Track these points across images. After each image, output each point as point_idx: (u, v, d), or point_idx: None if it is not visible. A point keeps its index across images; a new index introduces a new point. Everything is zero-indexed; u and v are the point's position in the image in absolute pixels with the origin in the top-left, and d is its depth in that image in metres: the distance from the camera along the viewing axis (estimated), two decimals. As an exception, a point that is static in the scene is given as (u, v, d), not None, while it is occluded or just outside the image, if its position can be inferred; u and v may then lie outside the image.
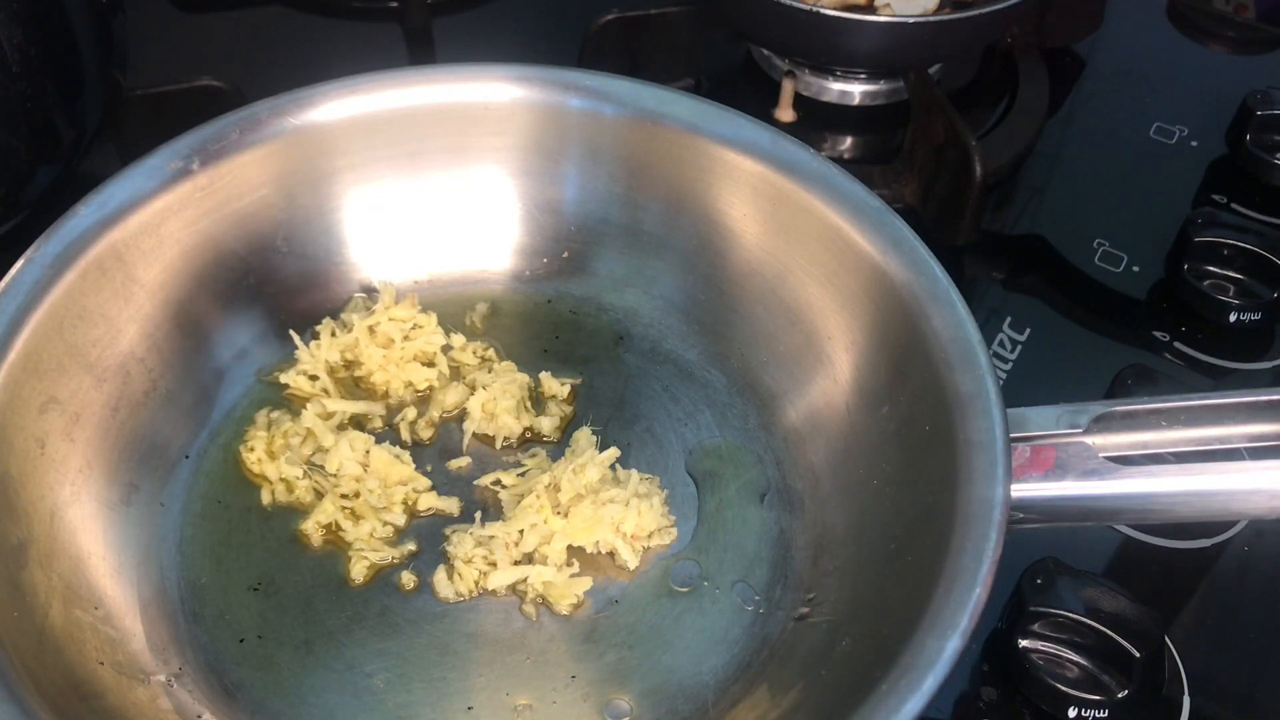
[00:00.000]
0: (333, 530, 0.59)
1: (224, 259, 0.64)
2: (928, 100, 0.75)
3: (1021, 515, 0.51)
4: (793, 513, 0.60)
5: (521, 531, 0.58)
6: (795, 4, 0.71)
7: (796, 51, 0.81)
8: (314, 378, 0.64)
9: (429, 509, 0.60)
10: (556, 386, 0.64)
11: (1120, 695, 0.53)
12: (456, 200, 0.68)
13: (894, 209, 0.59)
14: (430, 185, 0.68)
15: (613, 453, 0.60)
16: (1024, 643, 0.54)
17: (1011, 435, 0.51)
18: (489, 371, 0.64)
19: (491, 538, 0.57)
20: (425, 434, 0.63)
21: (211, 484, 0.61)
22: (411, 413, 0.63)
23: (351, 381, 0.65)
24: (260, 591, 0.57)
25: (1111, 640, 0.53)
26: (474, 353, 0.66)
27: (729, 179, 0.63)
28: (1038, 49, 0.85)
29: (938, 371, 0.54)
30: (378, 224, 0.67)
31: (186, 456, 0.61)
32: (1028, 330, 0.71)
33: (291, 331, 0.65)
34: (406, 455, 0.61)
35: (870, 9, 0.75)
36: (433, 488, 0.60)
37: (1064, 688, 0.53)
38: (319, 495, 0.60)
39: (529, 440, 0.63)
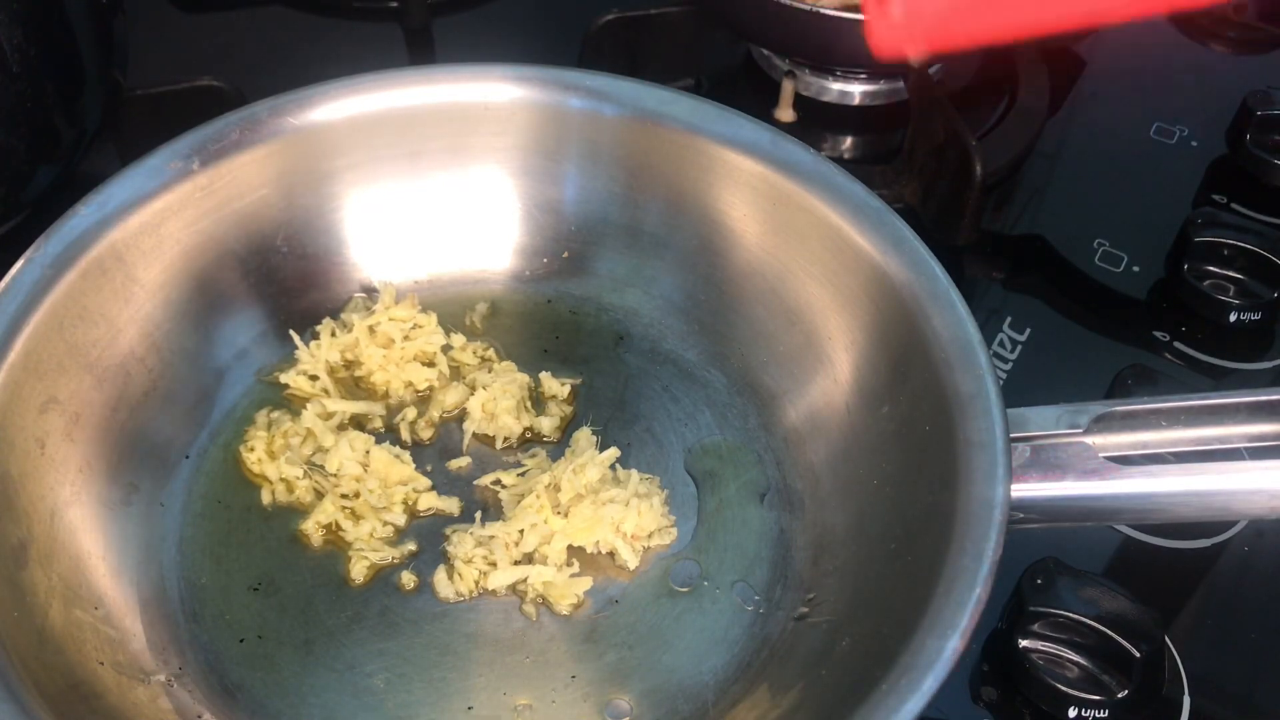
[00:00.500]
0: (333, 530, 0.59)
1: (224, 259, 0.64)
2: (928, 100, 0.75)
3: (1021, 515, 0.51)
4: (793, 513, 0.59)
5: (521, 531, 0.58)
6: (795, 4, 0.71)
7: (796, 51, 0.81)
8: (314, 378, 0.64)
9: (429, 509, 0.60)
10: (556, 386, 0.64)
11: (1120, 695, 0.53)
12: (456, 200, 0.68)
13: (894, 209, 0.59)
14: (430, 185, 0.68)
15: (613, 453, 0.60)
16: (1024, 643, 0.54)
17: (1011, 435, 0.51)
18: (489, 371, 0.64)
19: (491, 538, 0.57)
20: (425, 434, 0.63)
21: (211, 484, 0.61)
22: (411, 413, 0.63)
23: (351, 381, 0.65)
24: (260, 591, 0.57)
25: (1111, 640, 0.53)
26: (474, 353, 0.66)
27: (729, 179, 0.63)
28: (1038, 49, 0.85)
29: (938, 371, 0.54)
30: (378, 224, 0.67)
31: (186, 456, 0.61)
32: (1028, 330, 0.71)
33: (291, 331, 0.65)
34: (406, 455, 0.61)
35: (870, 9, 0.75)
36: (433, 488, 0.60)
37: (1064, 688, 0.53)
38: (319, 495, 0.60)
39: (529, 440, 0.63)
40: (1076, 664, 0.54)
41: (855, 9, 0.74)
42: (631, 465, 0.61)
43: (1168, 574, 0.61)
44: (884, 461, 0.57)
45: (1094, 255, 0.75)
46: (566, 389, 0.64)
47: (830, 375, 0.61)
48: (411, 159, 0.67)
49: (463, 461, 0.62)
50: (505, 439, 0.63)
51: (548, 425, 0.63)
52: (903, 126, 0.78)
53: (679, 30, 0.86)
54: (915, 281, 0.57)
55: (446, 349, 0.65)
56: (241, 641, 0.55)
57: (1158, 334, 0.71)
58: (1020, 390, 0.67)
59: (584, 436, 0.62)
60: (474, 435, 0.63)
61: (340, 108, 0.65)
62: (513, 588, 0.57)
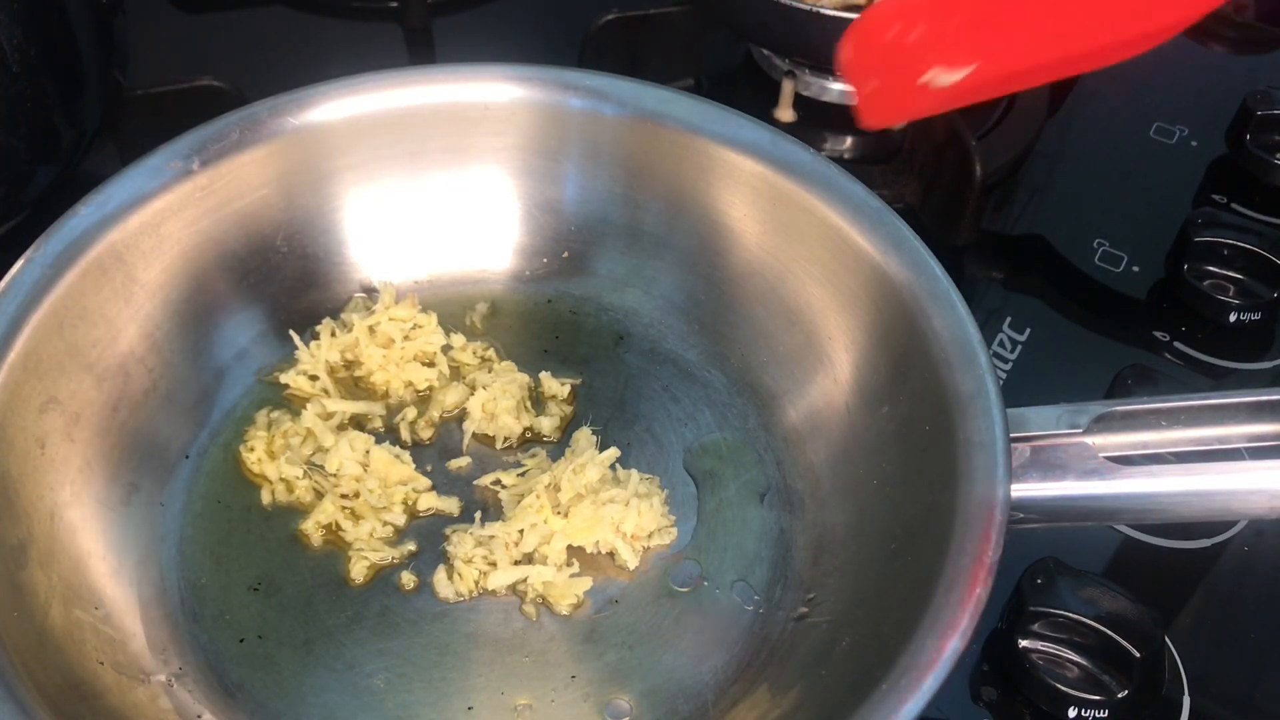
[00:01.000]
0: (333, 530, 0.59)
1: (224, 259, 0.64)
2: (928, 100, 0.74)
3: (1021, 515, 0.51)
4: (793, 513, 0.59)
5: (521, 531, 0.58)
6: (795, 4, 0.71)
7: (796, 51, 0.81)
8: (314, 378, 0.64)
9: (429, 509, 0.60)
10: (556, 386, 0.64)
11: (1120, 695, 0.53)
12: (456, 200, 0.68)
13: (894, 209, 0.59)
14: (430, 185, 0.68)
15: (613, 453, 0.60)
16: (1024, 643, 0.54)
17: (1011, 435, 0.51)
18: (489, 371, 0.64)
19: (491, 538, 0.57)
20: (425, 434, 0.63)
21: (211, 484, 0.61)
22: (411, 413, 0.63)
23: (351, 381, 0.65)
24: (260, 591, 0.57)
25: (1111, 640, 0.53)
26: (474, 353, 0.66)
27: (729, 179, 0.63)
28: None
29: (938, 371, 0.54)
30: (378, 224, 0.67)
31: (186, 456, 0.61)
32: (1028, 330, 0.71)
33: (292, 332, 0.65)
34: (406, 455, 0.61)
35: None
36: (433, 488, 0.60)
37: (1064, 688, 0.53)
38: (319, 495, 0.60)
39: (529, 440, 0.63)
40: (1076, 664, 0.54)
41: (855, 9, 0.74)
42: (631, 465, 0.61)
43: (1168, 574, 0.61)
44: (884, 461, 0.57)
45: (1094, 255, 0.75)
46: (566, 389, 0.64)
47: (830, 375, 0.61)
48: (411, 159, 0.67)
49: (463, 461, 0.62)
50: (505, 439, 0.63)
51: (548, 425, 0.63)
52: (903, 127, 0.78)
53: (679, 30, 0.86)
54: (915, 281, 0.57)
55: (446, 349, 0.65)
56: (241, 641, 0.55)
57: (1158, 334, 0.71)
58: (1020, 390, 0.67)
59: (584, 436, 0.62)
60: (474, 435, 0.63)
61: (340, 108, 0.65)
62: (513, 588, 0.57)
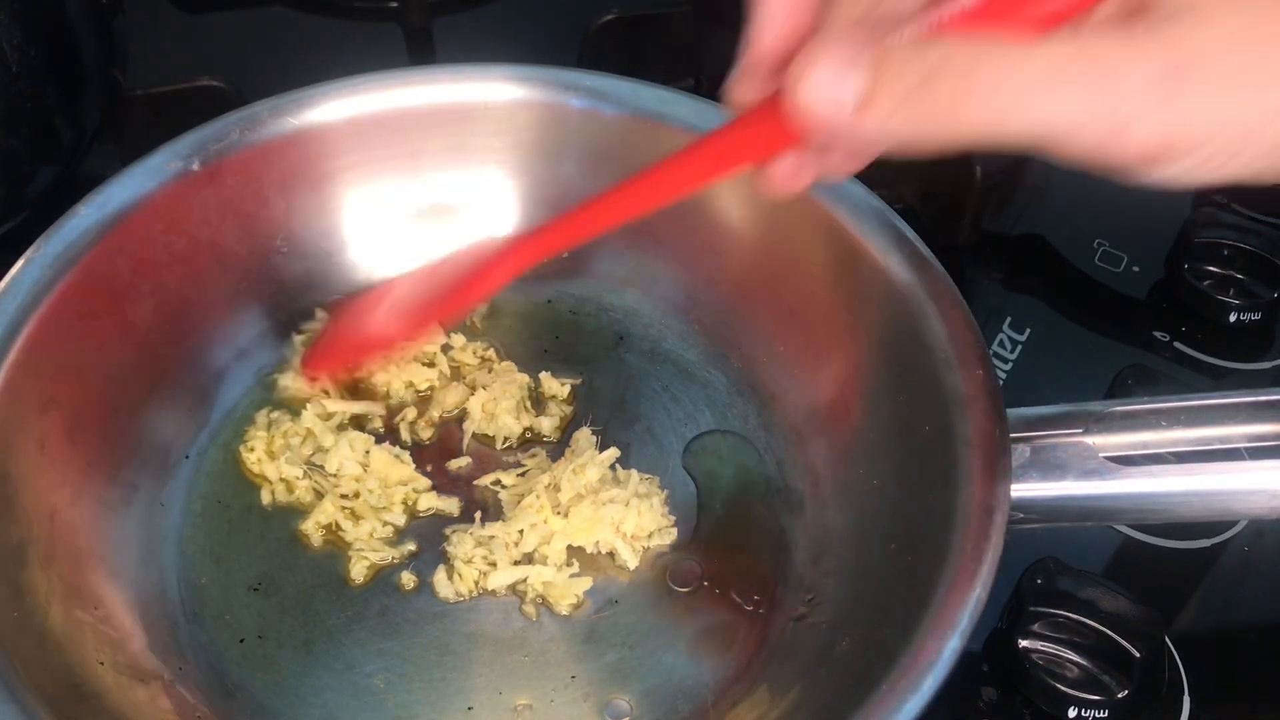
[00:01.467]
0: (333, 530, 0.59)
1: (224, 259, 0.64)
2: (928, 100, 0.74)
3: (1021, 515, 0.51)
4: (793, 513, 0.59)
5: (521, 531, 0.58)
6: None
7: (796, 51, 0.80)
8: (314, 378, 0.64)
9: (429, 509, 0.60)
10: (556, 386, 0.64)
11: (1120, 695, 0.53)
12: (456, 200, 0.68)
13: (894, 209, 0.59)
14: (430, 185, 0.67)
15: (612, 453, 0.60)
16: (1024, 643, 0.54)
17: (1011, 435, 0.51)
18: (489, 371, 0.64)
19: (491, 538, 0.57)
20: (425, 434, 0.63)
21: (211, 484, 0.61)
22: (411, 413, 0.63)
23: (351, 382, 0.65)
24: (260, 591, 0.57)
25: (1111, 640, 0.53)
26: (474, 353, 0.66)
27: (728, 179, 0.63)
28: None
29: (938, 371, 0.54)
30: (378, 224, 0.67)
31: (186, 456, 0.61)
32: (1028, 330, 0.71)
33: (295, 336, 0.65)
34: (406, 455, 0.61)
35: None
36: (433, 488, 0.60)
37: (1064, 688, 0.53)
38: (319, 495, 0.60)
39: (529, 440, 0.63)
40: (1076, 664, 0.54)
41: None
42: (631, 465, 0.61)
43: (1168, 574, 0.61)
44: (884, 461, 0.57)
45: (1094, 255, 0.75)
46: (566, 389, 0.64)
47: (830, 375, 0.61)
48: (411, 159, 0.67)
49: (463, 461, 0.62)
50: (505, 439, 0.62)
51: (548, 425, 0.63)
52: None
53: (679, 30, 0.86)
54: (915, 281, 0.57)
55: (446, 349, 0.65)
56: (241, 641, 0.55)
57: (1158, 334, 0.71)
58: (1020, 390, 0.67)
59: (584, 436, 0.62)
60: (474, 435, 0.63)
61: (340, 108, 0.65)
62: (512, 588, 0.57)
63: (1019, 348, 0.70)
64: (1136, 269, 0.74)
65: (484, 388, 0.63)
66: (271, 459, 0.61)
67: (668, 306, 0.67)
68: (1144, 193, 0.83)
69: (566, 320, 0.67)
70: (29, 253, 0.57)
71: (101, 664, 0.52)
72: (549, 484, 0.58)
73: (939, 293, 0.56)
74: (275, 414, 0.62)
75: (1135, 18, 0.35)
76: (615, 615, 0.56)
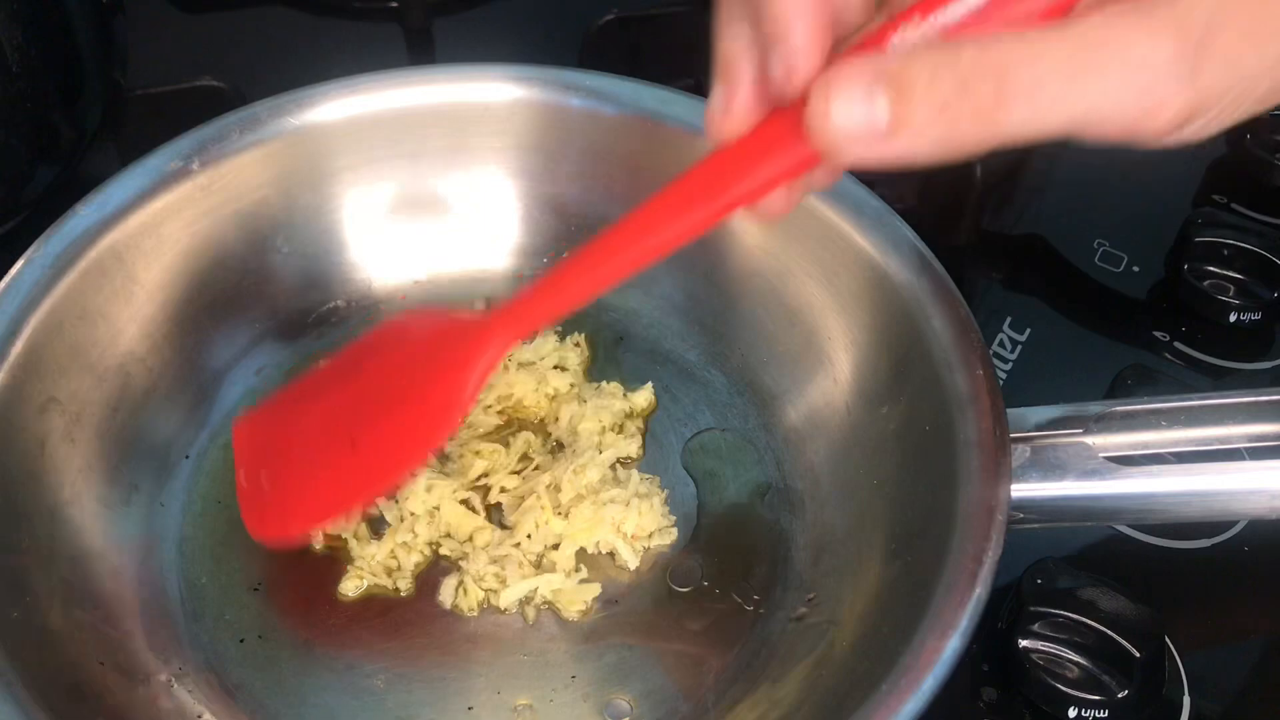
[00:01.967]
0: (336, 537, 0.59)
1: (224, 259, 0.64)
2: (928, 100, 0.74)
3: (1021, 515, 0.51)
4: (793, 513, 0.59)
5: (529, 535, 0.57)
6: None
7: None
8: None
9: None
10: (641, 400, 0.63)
11: (1120, 695, 0.53)
12: (456, 200, 0.68)
13: (894, 209, 0.59)
14: (430, 185, 0.68)
15: (612, 453, 0.60)
16: (1024, 643, 0.54)
17: (1011, 435, 0.51)
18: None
19: (505, 556, 0.57)
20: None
21: (211, 484, 0.61)
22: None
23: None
24: (260, 591, 0.57)
25: (1111, 640, 0.53)
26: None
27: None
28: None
29: (938, 371, 0.54)
30: (378, 224, 0.67)
31: (186, 456, 0.61)
32: (1028, 330, 0.71)
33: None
34: (478, 503, 0.59)
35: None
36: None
37: (1064, 688, 0.53)
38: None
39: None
40: (1076, 664, 0.54)
41: None
42: (631, 465, 0.61)
43: (1168, 574, 0.61)
44: (884, 461, 0.57)
45: (1094, 255, 0.75)
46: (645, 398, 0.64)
47: (830, 375, 0.61)
48: (411, 159, 0.67)
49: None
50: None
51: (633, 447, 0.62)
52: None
53: (679, 30, 0.86)
54: (915, 281, 0.57)
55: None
56: (241, 641, 0.55)
57: (1158, 334, 0.71)
58: (1020, 390, 0.67)
59: (584, 436, 0.62)
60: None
61: (340, 108, 0.65)
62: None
63: (1019, 348, 0.70)
64: (1136, 269, 0.74)
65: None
66: (271, 459, 0.61)
67: (668, 306, 0.67)
68: (1144, 193, 0.84)
69: (566, 320, 0.67)
70: (29, 253, 0.57)
71: (101, 664, 0.52)
72: (549, 484, 0.58)
73: (939, 293, 0.56)
74: (275, 414, 0.62)
75: None
76: (615, 615, 0.56)
